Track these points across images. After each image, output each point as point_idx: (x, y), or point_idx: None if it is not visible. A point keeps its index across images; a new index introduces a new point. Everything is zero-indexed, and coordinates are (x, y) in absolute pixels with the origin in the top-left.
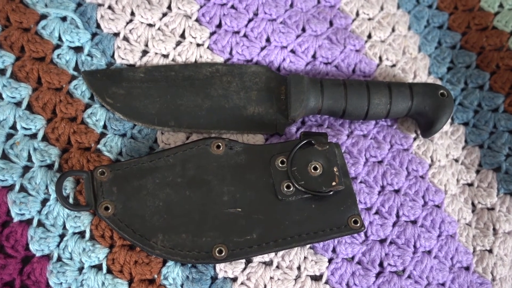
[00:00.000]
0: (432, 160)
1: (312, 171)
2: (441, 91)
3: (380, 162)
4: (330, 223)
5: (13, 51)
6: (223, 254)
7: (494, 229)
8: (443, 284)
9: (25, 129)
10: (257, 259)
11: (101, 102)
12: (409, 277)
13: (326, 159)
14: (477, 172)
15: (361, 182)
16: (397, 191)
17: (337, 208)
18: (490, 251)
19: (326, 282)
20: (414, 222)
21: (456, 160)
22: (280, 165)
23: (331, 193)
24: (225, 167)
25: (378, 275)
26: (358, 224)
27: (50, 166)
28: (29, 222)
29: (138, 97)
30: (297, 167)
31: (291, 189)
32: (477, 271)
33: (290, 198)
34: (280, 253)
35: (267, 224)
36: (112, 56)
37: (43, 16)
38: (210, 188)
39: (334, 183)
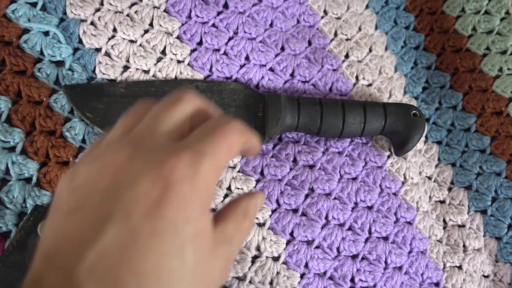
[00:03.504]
0: (405, 178)
1: None
2: (414, 111)
3: (354, 179)
4: None
5: None
6: None
7: (464, 246)
8: None
9: (4, 142)
10: (231, 274)
11: (80, 116)
12: None
13: None
14: (449, 189)
15: (335, 198)
16: (370, 208)
17: None
18: (460, 267)
19: None
20: (385, 239)
21: (429, 178)
22: None
23: None
24: None
25: None
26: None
27: (28, 180)
28: (6, 235)
29: (118, 112)
30: None
31: None
32: (446, 287)
33: None
34: (253, 268)
35: None
36: (94, 71)
37: (26, 31)
38: None
39: None
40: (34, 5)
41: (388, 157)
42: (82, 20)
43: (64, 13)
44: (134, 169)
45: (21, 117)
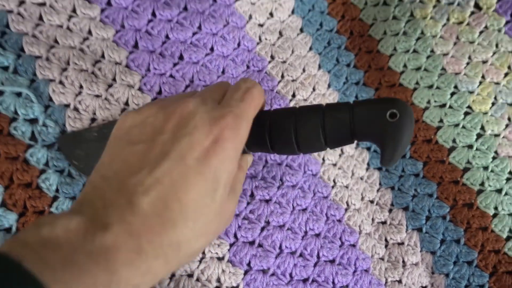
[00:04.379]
0: (347, 205)
1: None
2: (391, 110)
3: (304, 209)
4: None
5: None
6: None
7: (403, 261)
8: None
9: None
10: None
11: (71, 165)
12: None
13: None
14: (390, 211)
15: (288, 229)
16: (317, 235)
17: None
18: (400, 281)
19: None
20: (332, 261)
21: (372, 202)
22: None
23: None
24: None
25: None
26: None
27: (8, 230)
28: None
29: (94, 156)
30: None
31: None
32: None
33: None
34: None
35: None
36: (64, 125)
37: (0, 93)
38: None
39: None
40: (6, 68)
41: (332, 187)
42: (51, 80)
43: (34, 74)
44: (195, 121)
45: (0, 173)
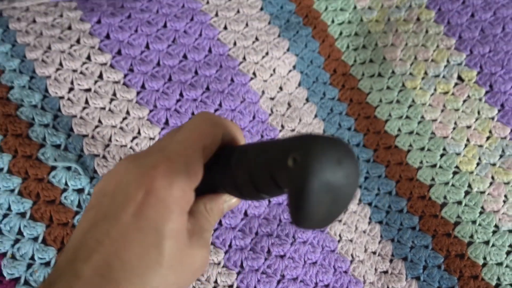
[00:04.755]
0: (352, 257)
1: None
2: (293, 155)
3: (315, 263)
4: None
5: (30, 198)
6: None
7: None
8: None
9: (41, 259)
10: None
11: None
12: None
13: None
14: (391, 261)
15: (300, 281)
16: (327, 286)
17: None
18: None
19: None
20: None
21: (374, 253)
22: None
23: None
24: None
25: None
26: None
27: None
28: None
29: None
30: None
31: None
32: None
33: None
34: None
35: None
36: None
37: (53, 168)
38: None
39: None
40: (58, 146)
41: (338, 241)
42: (96, 155)
43: (82, 150)
44: (128, 177)
45: (53, 238)
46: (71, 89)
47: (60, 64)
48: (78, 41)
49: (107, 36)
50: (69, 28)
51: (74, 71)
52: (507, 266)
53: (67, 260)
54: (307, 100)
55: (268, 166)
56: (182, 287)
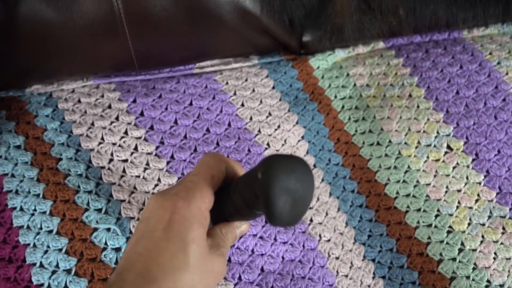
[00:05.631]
0: None
1: None
2: (260, 170)
3: None
4: None
5: (75, 256)
6: None
7: None
8: None
9: None
10: None
11: None
12: None
13: None
14: None
15: None
16: None
17: None
18: None
19: None
20: None
21: None
22: None
23: None
24: None
25: None
26: None
27: None
28: None
29: None
30: None
31: None
32: None
33: None
34: None
35: None
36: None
37: (95, 229)
38: None
39: None
40: (99, 210)
41: (336, 276)
42: (131, 218)
43: (120, 213)
44: (157, 205)
45: (83, 271)
46: (111, 160)
47: (102, 138)
48: (117, 118)
49: (142, 114)
50: (109, 107)
51: (114, 144)
52: None
53: (116, 273)
54: (314, 166)
55: (250, 184)
56: (205, 286)
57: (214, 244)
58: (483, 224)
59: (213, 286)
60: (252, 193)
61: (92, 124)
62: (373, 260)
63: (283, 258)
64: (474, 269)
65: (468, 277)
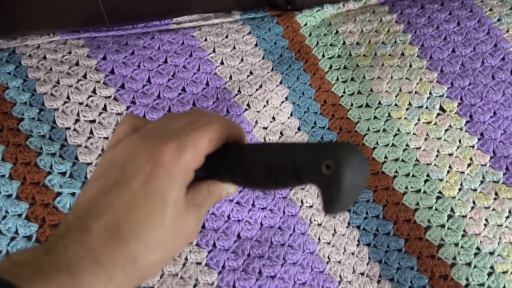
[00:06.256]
0: (341, 278)
1: None
2: (326, 163)
3: (304, 283)
4: None
5: (37, 222)
6: None
7: None
8: None
9: None
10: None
11: None
12: None
13: None
14: (378, 282)
15: None
16: None
17: None
18: None
19: None
20: None
21: (362, 274)
22: None
23: None
24: None
25: None
26: None
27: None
28: None
29: None
30: None
31: None
32: None
33: None
34: None
35: None
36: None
37: (58, 194)
38: None
39: None
40: (64, 174)
41: (327, 263)
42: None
43: (86, 177)
44: (138, 150)
45: (45, 238)
46: (77, 121)
47: (68, 97)
48: (84, 76)
49: (112, 71)
50: (77, 64)
51: (81, 104)
52: (488, 287)
53: (77, 217)
54: (298, 129)
55: (296, 168)
56: (175, 250)
57: (193, 203)
58: (475, 190)
59: (183, 247)
60: (293, 176)
61: (58, 82)
62: (358, 227)
63: (261, 224)
64: (463, 236)
65: (456, 244)
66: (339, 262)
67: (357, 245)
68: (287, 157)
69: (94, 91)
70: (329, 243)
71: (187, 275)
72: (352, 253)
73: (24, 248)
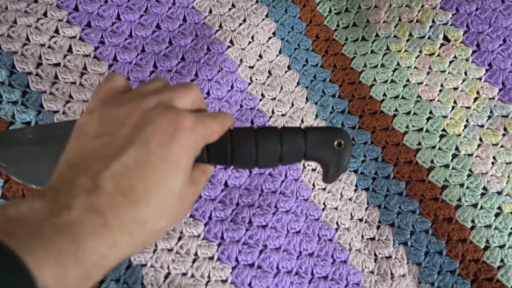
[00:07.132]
0: (337, 225)
1: None
2: (338, 140)
3: (298, 232)
4: None
5: (1, 177)
6: None
7: (391, 273)
8: None
9: None
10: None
11: None
12: None
13: None
14: (378, 227)
15: (283, 251)
16: (311, 254)
17: None
18: None
19: None
20: (325, 278)
21: (361, 220)
22: None
23: None
24: None
25: None
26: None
27: None
28: None
29: (28, 160)
30: None
31: None
32: None
33: None
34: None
35: None
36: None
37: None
38: None
39: None
40: (28, 123)
41: (323, 210)
42: (55, 112)
43: (41, 106)
44: (157, 112)
45: (12, 194)
46: (39, 64)
47: (27, 39)
48: (45, 15)
49: (76, 8)
50: (36, 1)
51: (42, 45)
52: (496, 228)
53: (79, 173)
54: (288, 67)
55: (308, 146)
56: (175, 220)
57: (191, 179)
58: (482, 126)
59: (180, 219)
60: (298, 152)
61: (15, 22)
62: (356, 171)
63: (250, 171)
64: (469, 176)
65: (462, 185)
66: (336, 208)
67: (355, 190)
68: (300, 139)
69: (56, 31)
70: (324, 189)
71: (170, 228)
72: (350, 199)
73: (18, 200)
